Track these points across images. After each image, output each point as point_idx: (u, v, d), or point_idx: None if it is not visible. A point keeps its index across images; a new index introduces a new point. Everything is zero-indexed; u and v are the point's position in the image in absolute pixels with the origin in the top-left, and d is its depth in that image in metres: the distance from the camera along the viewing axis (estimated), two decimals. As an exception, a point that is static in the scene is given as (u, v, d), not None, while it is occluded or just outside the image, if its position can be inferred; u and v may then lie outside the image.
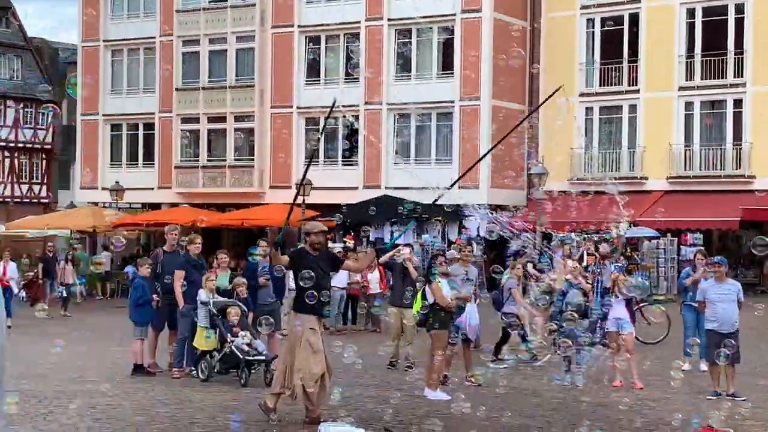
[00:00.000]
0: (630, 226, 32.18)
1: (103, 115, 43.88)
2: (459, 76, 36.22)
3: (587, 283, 14.54)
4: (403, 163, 36.78)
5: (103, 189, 41.64)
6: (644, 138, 35.81)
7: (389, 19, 37.61)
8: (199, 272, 13.98)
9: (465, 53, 36.10)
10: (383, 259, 15.46)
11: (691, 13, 35.35)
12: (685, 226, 32.49)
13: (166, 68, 41.40)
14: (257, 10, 39.55)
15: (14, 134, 52.64)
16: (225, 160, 40.52)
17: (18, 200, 52.79)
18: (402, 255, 15.42)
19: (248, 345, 13.29)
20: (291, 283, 16.63)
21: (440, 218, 30.63)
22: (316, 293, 10.15)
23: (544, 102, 11.88)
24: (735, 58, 34.57)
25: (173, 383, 13.25)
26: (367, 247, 28.99)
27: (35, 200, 53.76)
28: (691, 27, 35.37)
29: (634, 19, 36.01)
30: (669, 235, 32.21)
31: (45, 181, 54.56)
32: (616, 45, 36.34)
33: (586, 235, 23.52)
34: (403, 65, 37.80)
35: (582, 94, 36.95)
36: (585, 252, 20.54)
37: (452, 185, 13.52)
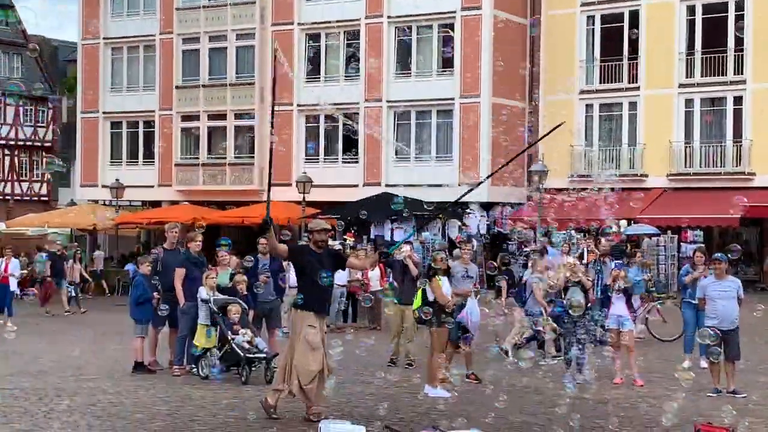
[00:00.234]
0: (629, 223, 32.33)
1: (103, 112, 43.88)
2: (459, 73, 36.21)
3: (587, 279, 14.52)
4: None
5: (103, 187, 41.63)
6: (644, 135, 35.81)
7: (389, 17, 37.60)
8: (200, 270, 13.98)
9: (465, 50, 36.09)
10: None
11: (691, 10, 35.33)
12: (686, 223, 32.49)
13: (166, 66, 41.45)
14: (257, 8, 39.53)
15: (14, 132, 52.62)
16: (225, 158, 40.52)
17: (18, 198, 52.79)
18: (402, 252, 15.40)
19: (249, 342, 13.30)
20: (291, 280, 16.67)
21: (441, 216, 30.62)
22: (318, 291, 10.16)
23: (545, 136, 11.98)
24: (735, 56, 34.56)
25: (174, 381, 13.26)
26: (367, 244, 29.06)
27: (35, 198, 53.75)
28: (691, 24, 35.35)
29: (634, 16, 35.99)
30: (669, 232, 32.21)
31: (45, 178, 54.55)
32: (616, 42, 36.33)
33: (586, 233, 23.57)
34: (403, 63, 37.81)
35: (582, 92, 36.95)
36: (585, 249, 20.58)
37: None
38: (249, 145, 40.47)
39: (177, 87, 41.49)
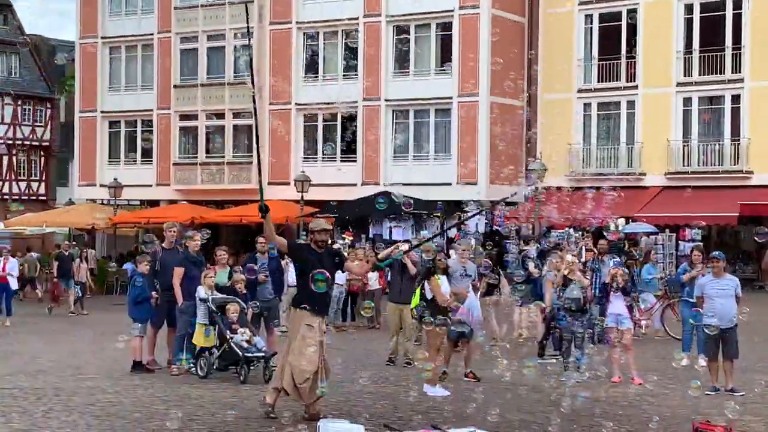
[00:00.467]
0: (627, 222, 32.36)
1: (101, 112, 43.87)
2: (457, 72, 36.22)
3: (585, 278, 14.54)
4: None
5: (102, 186, 41.62)
6: (642, 134, 35.82)
7: (387, 16, 37.60)
8: (198, 269, 13.98)
9: (463, 49, 36.10)
10: (382, 255, 15.44)
11: (688, 8, 35.34)
12: (684, 222, 32.51)
13: (164, 65, 41.44)
14: (255, 7, 39.52)
15: (12, 131, 52.58)
16: (224, 157, 40.52)
17: (16, 197, 52.74)
18: (401, 251, 15.40)
19: (247, 342, 13.31)
20: (290, 279, 16.69)
21: (439, 214, 30.65)
22: (317, 291, 10.17)
23: (500, 201, 12.06)
24: (733, 54, 34.58)
25: (172, 380, 13.26)
26: (365, 243, 29.09)
27: (33, 197, 53.71)
28: (688, 23, 35.37)
29: (632, 15, 36.00)
30: (667, 230, 32.23)
31: (43, 178, 54.51)
32: (614, 41, 36.34)
33: (584, 231, 23.57)
34: (402, 62, 37.82)
35: (580, 90, 36.96)
36: (584, 248, 20.58)
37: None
38: (247, 144, 40.46)
39: (175, 86, 41.48)
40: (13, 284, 23.91)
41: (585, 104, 37.12)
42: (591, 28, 37.02)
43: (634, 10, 35.88)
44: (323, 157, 38.93)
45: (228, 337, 13.28)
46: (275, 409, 10.40)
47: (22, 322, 22.61)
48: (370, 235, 32.15)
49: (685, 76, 35.32)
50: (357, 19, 38.09)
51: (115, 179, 38.88)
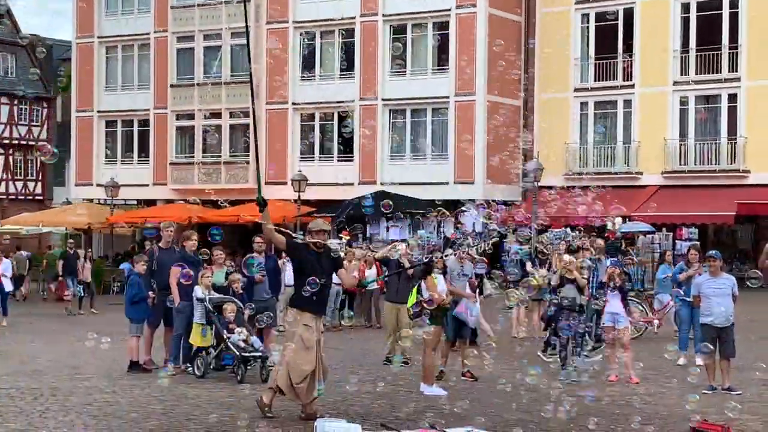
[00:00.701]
0: (625, 221, 32.36)
1: (98, 111, 43.85)
2: (454, 71, 36.23)
3: (582, 277, 14.52)
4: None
5: (98, 186, 41.59)
6: (639, 133, 35.85)
7: (384, 15, 37.60)
8: (195, 269, 13.97)
9: (460, 49, 36.12)
10: (379, 254, 15.46)
11: (685, 7, 35.37)
12: (680, 221, 32.55)
13: (161, 64, 41.40)
14: (252, 6, 39.50)
15: (8, 131, 52.51)
16: (220, 156, 40.50)
17: (13, 197, 52.68)
18: (398, 251, 15.39)
19: (244, 341, 13.30)
20: (287, 279, 16.69)
21: (436, 213, 30.61)
22: (316, 290, 10.15)
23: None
24: (729, 53, 34.61)
25: (169, 380, 13.23)
26: (363, 242, 29.08)
27: (30, 197, 53.64)
28: (685, 22, 35.39)
29: (629, 14, 36.02)
30: (664, 229, 32.25)
31: (40, 177, 54.44)
32: (611, 40, 36.36)
33: (581, 230, 23.56)
34: (398, 61, 37.81)
35: (577, 90, 36.97)
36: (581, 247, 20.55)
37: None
38: (244, 143, 40.43)
39: (172, 85, 41.46)
40: (8, 285, 23.87)
41: (582, 103, 37.14)
42: (587, 27, 37.03)
43: (631, 9, 35.91)
44: (320, 156, 38.92)
45: (225, 336, 13.27)
46: (272, 409, 10.40)
47: (18, 323, 22.59)
48: (367, 234, 32.12)
49: (681, 75, 35.35)
50: (354, 18, 38.09)
51: (111, 179, 38.85)
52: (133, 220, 38.58)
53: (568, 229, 25.82)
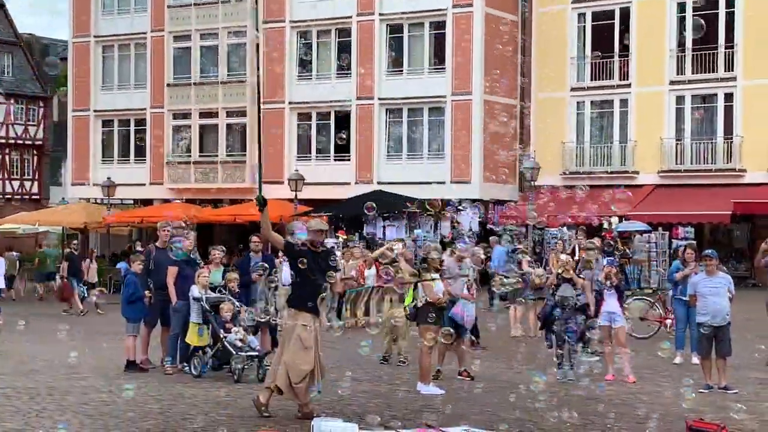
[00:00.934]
0: (621, 220, 32.39)
1: (94, 110, 43.79)
2: (450, 71, 36.24)
3: (579, 277, 14.53)
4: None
5: (95, 185, 41.53)
6: (635, 132, 35.87)
7: (381, 14, 37.60)
8: (192, 268, 13.96)
9: (456, 48, 36.12)
10: (377, 253, 15.47)
11: (681, 7, 35.39)
12: (677, 220, 32.57)
13: (158, 64, 41.36)
14: (248, 6, 39.48)
15: (5, 130, 52.45)
16: (217, 156, 40.48)
17: (9, 197, 52.62)
18: (395, 250, 15.42)
19: (241, 341, 13.30)
20: (284, 278, 16.67)
21: (432, 212, 30.63)
22: (312, 291, 10.16)
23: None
24: (726, 53, 34.64)
25: (166, 379, 13.25)
26: (360, 241, 29.06)
27: (26, 197, 53.58)
28: (682, 21, 35.41)
29: (625, 13, 36.04)
30: (660, 228, 32.28)
31: (36, 177, 54.38)
32: (607, 39, 36.36)
33: (578, 230, 23.60)
34: (395, 60, 37.81)
35: (573, 89, 36.99)
36: (577, 246, 20.61)
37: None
38: (240, 142, 40.42)
39: (168, 85, 41.42)
40: (0, 283, 23.84)
41: (578, 102, 37.15)
42: (584, 26, 37.05)
43: (627, 9, 35.93)
44: (317, 156, 38.91)
45: (222, 336, 13.27)
46: (269, 408, 10.40)
47: (13, 322, 22.54)
48: (364, 233, 32.11)
49: (678, 74, 35.38)
50: (350, 17, 38.08)
51: (108, 178, 38.78)
52: (129, 220, 38.52)
53: (565, 229, 25.85)
